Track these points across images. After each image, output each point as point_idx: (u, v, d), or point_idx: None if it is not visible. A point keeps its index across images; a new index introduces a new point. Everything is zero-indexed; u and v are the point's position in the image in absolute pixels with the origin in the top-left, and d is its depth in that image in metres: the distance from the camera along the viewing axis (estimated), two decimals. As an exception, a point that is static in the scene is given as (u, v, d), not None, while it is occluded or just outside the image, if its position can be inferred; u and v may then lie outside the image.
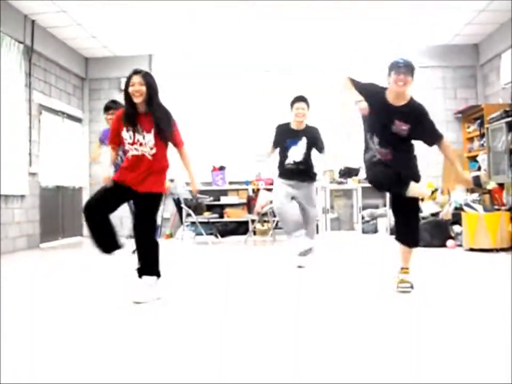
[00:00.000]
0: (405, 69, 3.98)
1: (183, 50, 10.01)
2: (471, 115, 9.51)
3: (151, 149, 3.87)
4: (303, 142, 5.68)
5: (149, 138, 3.86)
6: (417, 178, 4.09)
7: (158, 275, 4.01)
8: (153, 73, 9.78)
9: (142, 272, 3.97)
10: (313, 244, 5.72)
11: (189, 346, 2.77)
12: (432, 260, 6.12)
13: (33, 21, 8.24)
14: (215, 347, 2.74)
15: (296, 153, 5.68)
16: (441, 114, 9.94)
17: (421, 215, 8.01)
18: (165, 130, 3.91)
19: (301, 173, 5.72)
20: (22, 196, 7.92)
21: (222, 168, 9.84)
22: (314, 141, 5.76)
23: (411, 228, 4.28)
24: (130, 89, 3.83)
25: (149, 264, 3.98)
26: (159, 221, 9.45)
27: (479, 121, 9.11)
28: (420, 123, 4.05)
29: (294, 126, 5.77)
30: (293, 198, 5.75)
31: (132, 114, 3.89)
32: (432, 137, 4.15)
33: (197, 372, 2.34)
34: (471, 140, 9.56)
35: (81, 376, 2.31)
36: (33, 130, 8.39)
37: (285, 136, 5.75)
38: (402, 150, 4.15)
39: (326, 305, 3.76)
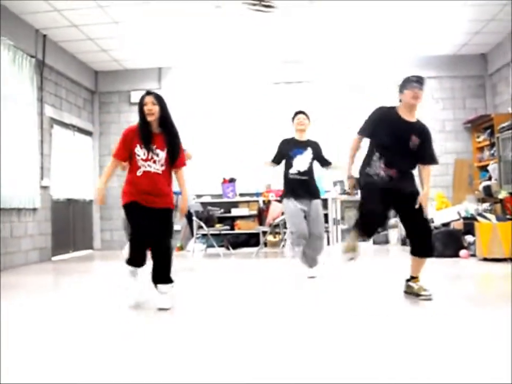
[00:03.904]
0: (418, 84, 4.22)
1: (192, 63, 10.07)
2: (480, 125, 9.52)
3: (162, 165, 4.09)
4: (308, 152, 5.71)
5: (162, 156, 4.08)
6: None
7: (172, 282, 4.17)
8: (162, 85, 10.03)
9: (158, 280, 4.13)
10: (315, 272, 5.65)
11: (196, 353, 2.82)
12: (446, 270, 6.12)
13: (44, 35, 8.33)
14: (220, 353, 2.81)
15: (301, 162, 5.68)
16: (450, 124, 9.98)
17: (433, 225, 8.01)
18: (175, 151, 4.13)
19: (305, 185, 5.67)
20: (34, 209, 7.95)
21: (232, 180, 9.86)
22: (319, 154, 5.82)
23: (425, 238, 4.34)
24: (144, 108, 4.04)
25: (165, 273, 4.14)
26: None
27: (489, 130, 9.11)
28: (424, 142, 4.28)
29: (297, 137, 5.82)
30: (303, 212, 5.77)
31: (148, 132, 4.08)
32: (429, 160, 4.39)
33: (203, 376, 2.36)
34: (481, 149, 9.56)
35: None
36: (45, 143, 8.44)
37: (290, 147, 5.77)
38: (407, 172, 4.35)
39: (333, 314, 3.78)
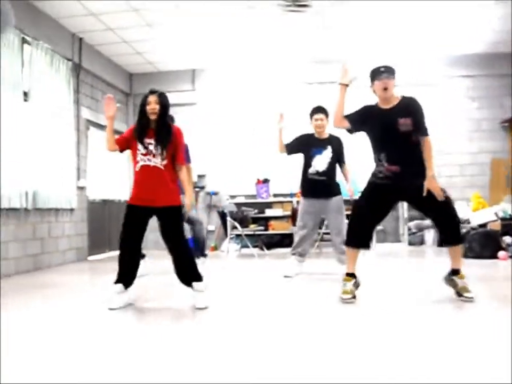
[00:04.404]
0: (386, 74, 4.14)
1: (226, 64, 10.12)
2: (518, 124, 9.34)
3: (163, 159, 4.13)
4: (328, 152, 5.70)
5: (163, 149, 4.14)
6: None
7: (201, 279, 4.21)
8: (195, 87, 10.09)
9: (188, 280, 4.20)
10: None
11: (226, 352, 2.84)
12: (482, 271, 6.02)
13: (80, 39, 8.46)
14: (248, 352, 2.79)
15: (320, 162, 5.69)
16: (486, 124, 9.81)
17: (469, 225, 7.90)
18: (160, 141, 4.13)
19: (324, 186, 5.69)
20: (71, 210, 8.08)
21: (266, 181, 9.86)
22: (339, 153, 5.79)
23: (449, 223, 4.20)
24: (147, 107, 4.15)
25: (192, 271, 4.20)
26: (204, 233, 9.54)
27: (527, 129, 8.94)
28: (414, 116, 4.14)
29: (316, 135, 5.83)
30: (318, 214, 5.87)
31: (144, 128, 4.18)
32: (420, 132, 4.17)
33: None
34: (518, 149, 9.37)
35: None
36: (81, 145, 8.56)
37: (310, 145, 5.77)
38: (412, 157, 4.17)
39: (364, 315, 3.76)
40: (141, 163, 4.14)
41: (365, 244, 4.32)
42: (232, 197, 9.93)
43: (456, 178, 9.66)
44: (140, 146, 4.15)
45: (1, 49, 6.28)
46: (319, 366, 2.56)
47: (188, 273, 4.20)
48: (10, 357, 2.77)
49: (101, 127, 9.36)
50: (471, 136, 9.82)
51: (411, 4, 7.39)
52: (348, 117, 4.36)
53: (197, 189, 9.89)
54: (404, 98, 4.27)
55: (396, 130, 4.11)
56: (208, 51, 9.41)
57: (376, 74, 4.18)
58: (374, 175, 4.31)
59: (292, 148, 5.89)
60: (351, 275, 4.36)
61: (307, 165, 5.76)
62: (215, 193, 10.07)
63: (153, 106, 4.13)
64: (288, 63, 10.06)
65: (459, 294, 4.16)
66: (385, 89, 4.16)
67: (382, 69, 4.16)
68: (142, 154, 4.14)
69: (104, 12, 7.50)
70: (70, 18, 7.72)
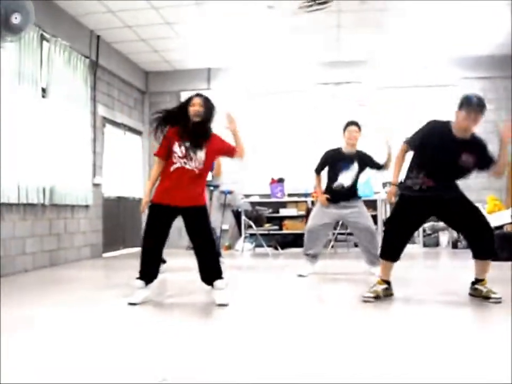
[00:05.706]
0: (479, 108, 4.01)
1: (242, 64, 10.12)
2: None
3: (200, 164, 4.16)
4: (355, 167, 5.71)
5: (201, 155, 4.17)
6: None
7: (222, 277, 4.21)
8: (211, 86, 10.09)
9: (211, 279, 4.19)
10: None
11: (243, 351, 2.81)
12: (497, 273, 5.97)
13: (98, 36, 8.49)
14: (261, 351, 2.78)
15: (347, 177, 5.69)
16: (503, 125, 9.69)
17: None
18: (196, 145, 4.17)
19: (346, 195, 5.73)
20: (87, 206, 8.11)
21: (280, 180, 9.85)
22: (367, 161, 5.78)
23: (483, 236, 4.16)
24: (191, 109, 4.14)
25: (215, 270, 4.20)
26: (218, 232, 9.53)
27: (545, 132, 8.83)
28: (482, 155, 4.16)
29: (346, 150, 5.79)
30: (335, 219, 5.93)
31: (183, 130, 4.19)
32: (488, 164, 4.22)
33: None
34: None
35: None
36: (97, 142, 8.59)
37: (339, 160, 5.76)
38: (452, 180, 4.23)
39: (380, 318, 3.75)
40: (177, 165, 4.13)
41: (398, 257, 4.31)
42: (247, 196, 9.92)
43: (471, 181, 9.56)
44: (177, 149, 4.14)
45: (21, 46, 6.33)
46: (336, 365, 2.56)
47: (211, 272, 4.19)
48: (27, 352, 2.78)
49: (116, 124, 9.40)
50: (488, 138, 9.70)
51: (427, 4, 7.36)
52: (409, 144, 4.35)
53: (211, 188, 9.89)
54: (473, 136, 4.20)
55: (455, 160, 4.09)
56: (225, 50, 9.40)
57: (469, 105, 4.02)
58: (407, 187, 4.26)
59: (321, 167, 5.93)
60: (385, 281, 4.36)
61: (332, 178, 5.78)
62: (230, 192, 10.06)
63: (197, 108, 4.15)
64: (304, 64, 10.03)
65: (486, 297, 4.11)
66: (474, 121, 4.05)
67: (477, 103, 4.01)
68: (179, 157, 4.14)
69: (122, 9, 7.52)
70: (88, 16, 7.75)
